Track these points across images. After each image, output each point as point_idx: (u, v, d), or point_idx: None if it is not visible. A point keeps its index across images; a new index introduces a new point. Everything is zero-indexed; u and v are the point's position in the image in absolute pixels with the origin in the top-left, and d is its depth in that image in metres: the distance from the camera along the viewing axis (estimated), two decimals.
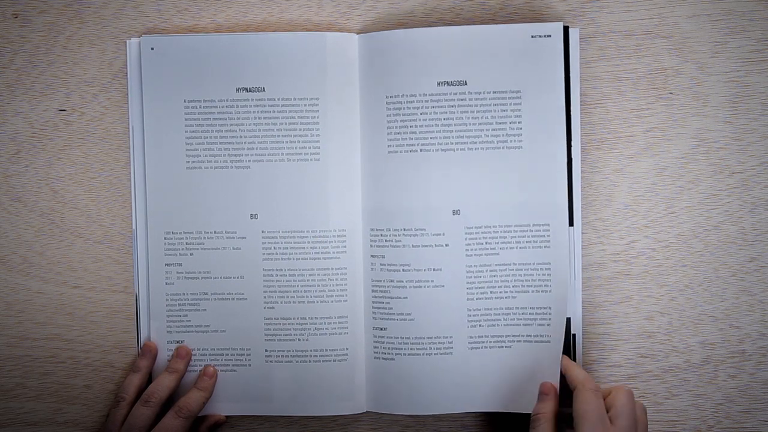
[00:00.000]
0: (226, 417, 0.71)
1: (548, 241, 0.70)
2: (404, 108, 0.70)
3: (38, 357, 0.72)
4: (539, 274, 0.70)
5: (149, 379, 0.70)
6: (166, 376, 0.69)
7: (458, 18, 0.72)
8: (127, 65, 0.71)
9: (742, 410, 0.73)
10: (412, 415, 0.72)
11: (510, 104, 0.70)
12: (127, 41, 0.71)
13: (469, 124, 0.70)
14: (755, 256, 0.72)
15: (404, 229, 0.70)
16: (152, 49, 0.70)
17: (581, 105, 0.71)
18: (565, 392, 0.67)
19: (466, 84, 0.69)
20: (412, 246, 0.70)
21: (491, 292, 0.70)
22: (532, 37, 0.70)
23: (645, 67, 0.72)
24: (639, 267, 0.73)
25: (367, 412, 0.71)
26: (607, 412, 0.63)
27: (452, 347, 0.70)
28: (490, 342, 0.70)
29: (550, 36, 0.69)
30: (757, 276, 0.72)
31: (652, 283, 0.73)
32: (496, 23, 0.71)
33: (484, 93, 0.70)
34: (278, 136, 0.70)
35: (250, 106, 0.70)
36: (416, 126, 0.70)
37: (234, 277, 0.71)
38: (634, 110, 0.72)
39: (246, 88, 0.70)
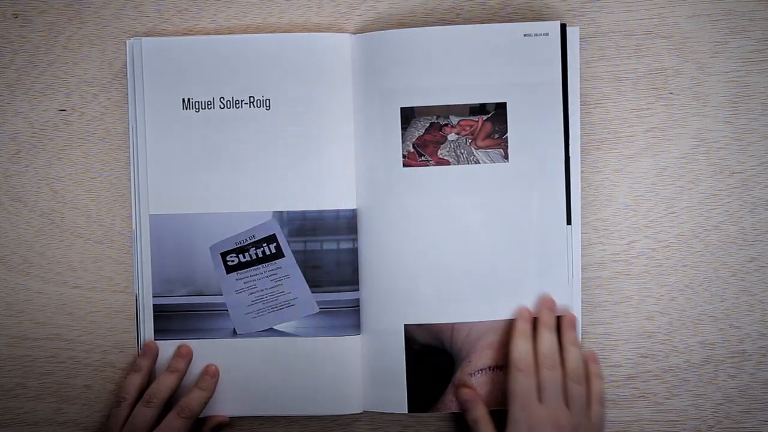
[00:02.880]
0: (229, 418, 0.71)
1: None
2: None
3: (38, 357, 0.72)
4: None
5: (150, 378, 0.70)
6: (167, 375, 0.69)
7: (458, 18, 0.72)
8: (127, 65, 0.71)
9: (742, 410, 0.73)
10: (412, 415, 0.72)
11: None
12: (127, 41, 0.71)
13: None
14: (755, 256, 0.72)
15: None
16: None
17: (581, 105, 0.71)
18: None
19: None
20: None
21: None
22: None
23: (645, 67, 0.72)
24: (639, 267, 0.73)
25: (364, 411, 0.71)
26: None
27: None
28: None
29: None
30: (757, 276, 0.72)
31: (652, 283, 0.73)
32: (496, 23, 0.71)
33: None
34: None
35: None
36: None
37: None
38: (634, 110, 0.72)
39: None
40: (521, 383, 0.66)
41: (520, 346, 0.68)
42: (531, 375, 0.67)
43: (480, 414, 0.68)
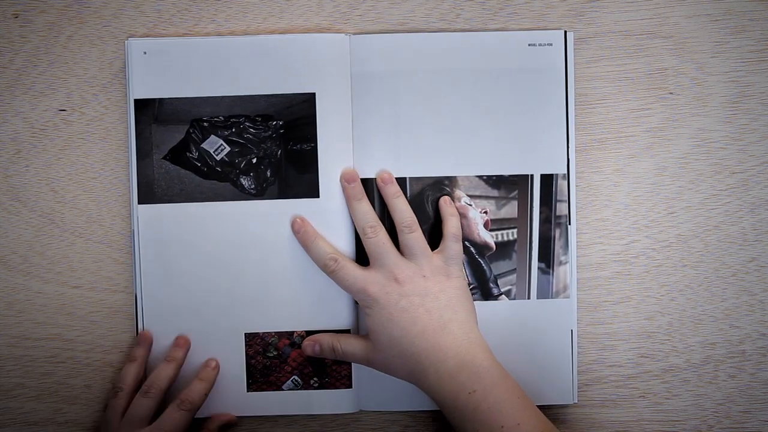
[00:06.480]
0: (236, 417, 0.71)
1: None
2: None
3: (38, 357, 0.72)
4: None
5: (146, 370, 0.70)
6: (165, 365, 0.69)
7: (458, 18, 0.72)
8: (127, 65, 0.71)
9: (742, 410, 0.73)
10: (412, 415, 0.72)
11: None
12: (127, 41, 0.71)
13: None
14: (755, 256, 0.72)
15: None
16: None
17: (581, 105, 0.72)
18: None
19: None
20: None
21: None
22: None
23: (645, 67, 0.72)
24: (639, 267, 0.73)
25: (362, 411, 0.71)
26: None
27: None
28: None
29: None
30: (757, 276, 0.72)
31: (652, 283, 0.73)
32: (496, 24, 0.71)
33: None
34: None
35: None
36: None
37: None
38: (634, 110, 0.72)
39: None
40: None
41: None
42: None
43: None
